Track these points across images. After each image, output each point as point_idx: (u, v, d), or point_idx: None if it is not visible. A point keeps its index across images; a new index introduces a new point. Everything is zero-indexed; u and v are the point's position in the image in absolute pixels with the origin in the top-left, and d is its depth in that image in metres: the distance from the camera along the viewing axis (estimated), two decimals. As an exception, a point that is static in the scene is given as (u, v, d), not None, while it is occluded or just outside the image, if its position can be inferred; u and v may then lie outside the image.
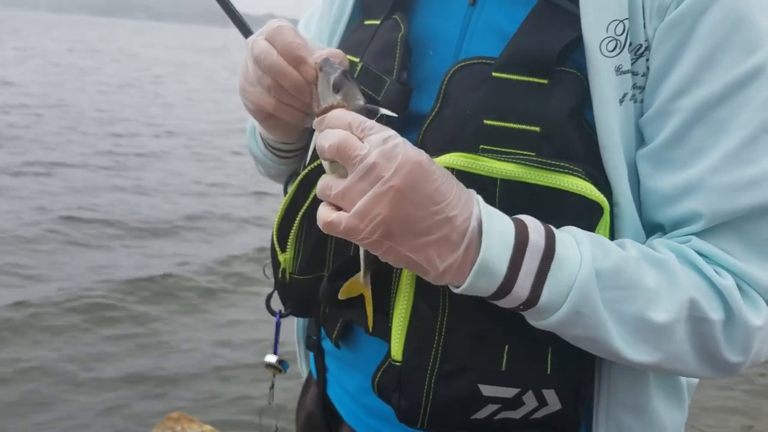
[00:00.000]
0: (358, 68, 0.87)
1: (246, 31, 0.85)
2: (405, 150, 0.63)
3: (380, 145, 0.62)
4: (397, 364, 0.76)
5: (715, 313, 0.68)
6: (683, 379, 0.85)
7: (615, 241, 0.72)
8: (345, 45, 0.94)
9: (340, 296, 0.79)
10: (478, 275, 0.65)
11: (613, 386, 0.78)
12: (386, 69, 0.83)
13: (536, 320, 0.68)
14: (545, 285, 0.65)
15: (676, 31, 0.70)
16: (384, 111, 0.69)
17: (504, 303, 0.67)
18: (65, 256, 5.53)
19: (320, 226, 0.65)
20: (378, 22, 0.88)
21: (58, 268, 5.24)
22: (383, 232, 0.63)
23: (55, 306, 4.55)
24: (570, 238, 0.68)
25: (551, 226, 0.69)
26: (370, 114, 0.67)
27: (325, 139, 0.65)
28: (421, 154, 0.64)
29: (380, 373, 0.80)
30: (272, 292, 0.94)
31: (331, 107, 0.68)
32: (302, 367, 1.15)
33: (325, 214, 0.65)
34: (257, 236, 6.49)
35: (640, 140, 0.75)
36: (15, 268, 5.13)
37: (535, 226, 0.67)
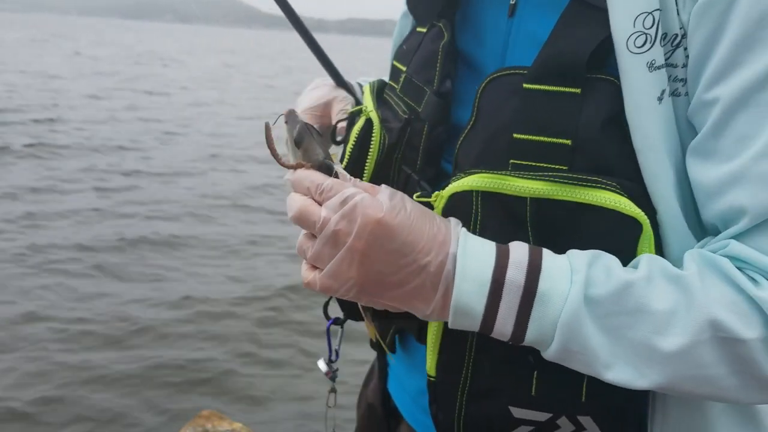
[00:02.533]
0: (402, 78, 0.88)
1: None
2: (364, 210, 0.63)
3: (338, 208, 0.63)
4: (432, 379, 0.77)
5: (751, 331, 0.60)
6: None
7: (636, 259, 0.66)
8: (398, 53, 0.94)
9: (371, 336, 0.85)
10: (456, 316, 0.65)
11: (668, 410, 0.72)
12: (427, 80, 0.82)
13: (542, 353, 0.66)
14: (529, 323, 0.63)
15: (712, 13, 0.64)
16: (338, 168, 0.70)
17: (497, 338, 0.66)
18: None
19: (303, 285, 0.69)
20: (426, 29, 0.87)
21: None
22: (358, 289, 0.65)
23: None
24: (563, 268, 0.63)
25: (544, 255, 0.65)
26: (327, 170, 0.69)
27: (289, 207, 0.68)
28: (381, 211, 0.63)
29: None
30: (329, 299, 0.95)
31: (295, 167, 0.70)
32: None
33: (304, 273, 0.68)
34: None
35: (693, 135, 0.69)
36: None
37: (517, 261, 0.64)
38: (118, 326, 4.27)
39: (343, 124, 0.95)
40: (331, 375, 1.02)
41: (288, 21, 0.92)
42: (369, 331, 0.84)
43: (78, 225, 6.13)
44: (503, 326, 0.64)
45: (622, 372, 0.62)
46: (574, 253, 0.65)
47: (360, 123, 0.87)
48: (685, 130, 0.68)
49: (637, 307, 0.62)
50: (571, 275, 0.63)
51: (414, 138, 0.84)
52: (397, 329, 0.94)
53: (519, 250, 0.65)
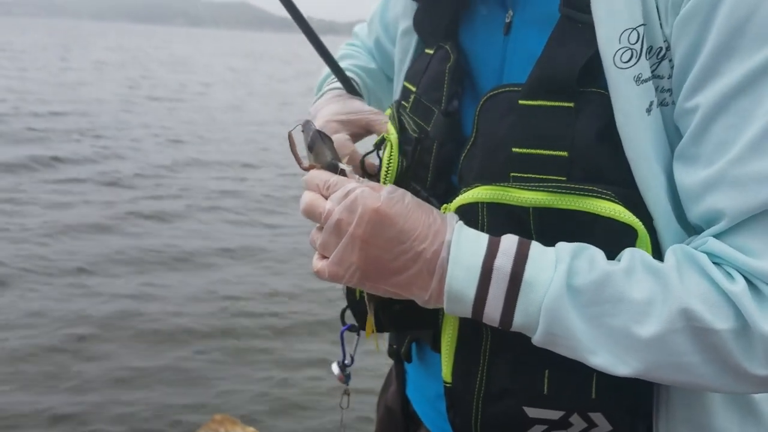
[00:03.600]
0: (411, 99, 0.91)
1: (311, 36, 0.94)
2: (363, 201, 0.69)
3: (341, 200, 0.70)
4: (448, 385, 0.80)
5: (722, 322, 0.63)
6: (758, 395, 0.79)
7: (621, 253, 0.69)
8: (408, 73, 0.97)
9: (368, 331, 0.89)
10: (450, 301, 0.69)
11: (672, 402, 0.75)
12: (436, 100, 0.86)
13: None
14: (516, 309, 0.67)
15: (692, 24, 0.66)
16: (342, 166, 0.77)
17: (488, 323, 0.69)
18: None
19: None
20: (433, 51, 0.89)
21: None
22: (360, 275, 0.71)
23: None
24: (549, 258, 0.67)
25: (532, 245, 0.68)
26: (334, 169, 0.77)
27: (300, 202, 0.75)
28: (378, 201, 0.69)
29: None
30: (346, 308, 0.98)
31: (308, 168, 0.78)
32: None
33: (314, 263, 0.74)
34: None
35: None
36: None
37: (506, 249, 0.68)
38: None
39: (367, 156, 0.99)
40: (344, 379, 1.04)
41: (298, 26, 0.97)
42: (368, 324, 0.87)
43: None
44: (492, 311, 0.68)
45: (604, 358, 0.65)
46: (561, 245, 0.68)
47: (388, 151, 0.91)
48: (675, 138, 0.71)
49: (616, 296, 0.65)
50: (555, 264, 0.66)
51: (424, 156, 0.87)
52: (413, 339, 0.98)
53: (509, 241, 0.69)
